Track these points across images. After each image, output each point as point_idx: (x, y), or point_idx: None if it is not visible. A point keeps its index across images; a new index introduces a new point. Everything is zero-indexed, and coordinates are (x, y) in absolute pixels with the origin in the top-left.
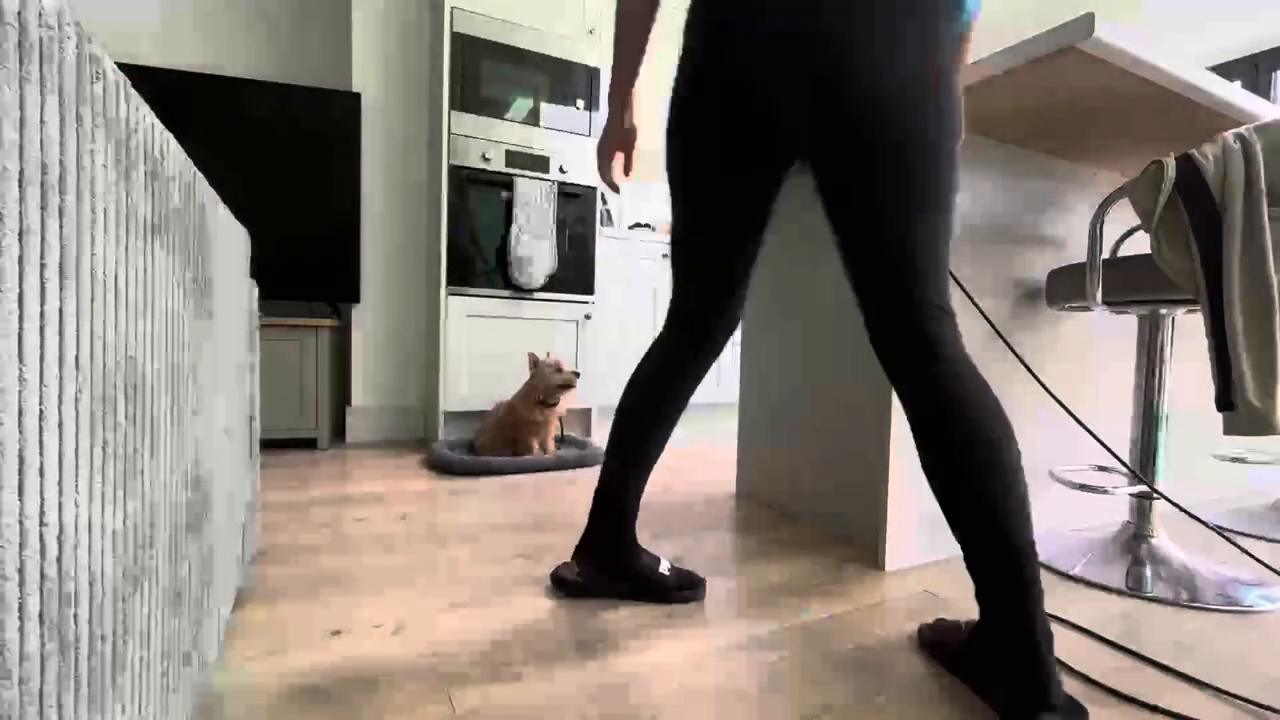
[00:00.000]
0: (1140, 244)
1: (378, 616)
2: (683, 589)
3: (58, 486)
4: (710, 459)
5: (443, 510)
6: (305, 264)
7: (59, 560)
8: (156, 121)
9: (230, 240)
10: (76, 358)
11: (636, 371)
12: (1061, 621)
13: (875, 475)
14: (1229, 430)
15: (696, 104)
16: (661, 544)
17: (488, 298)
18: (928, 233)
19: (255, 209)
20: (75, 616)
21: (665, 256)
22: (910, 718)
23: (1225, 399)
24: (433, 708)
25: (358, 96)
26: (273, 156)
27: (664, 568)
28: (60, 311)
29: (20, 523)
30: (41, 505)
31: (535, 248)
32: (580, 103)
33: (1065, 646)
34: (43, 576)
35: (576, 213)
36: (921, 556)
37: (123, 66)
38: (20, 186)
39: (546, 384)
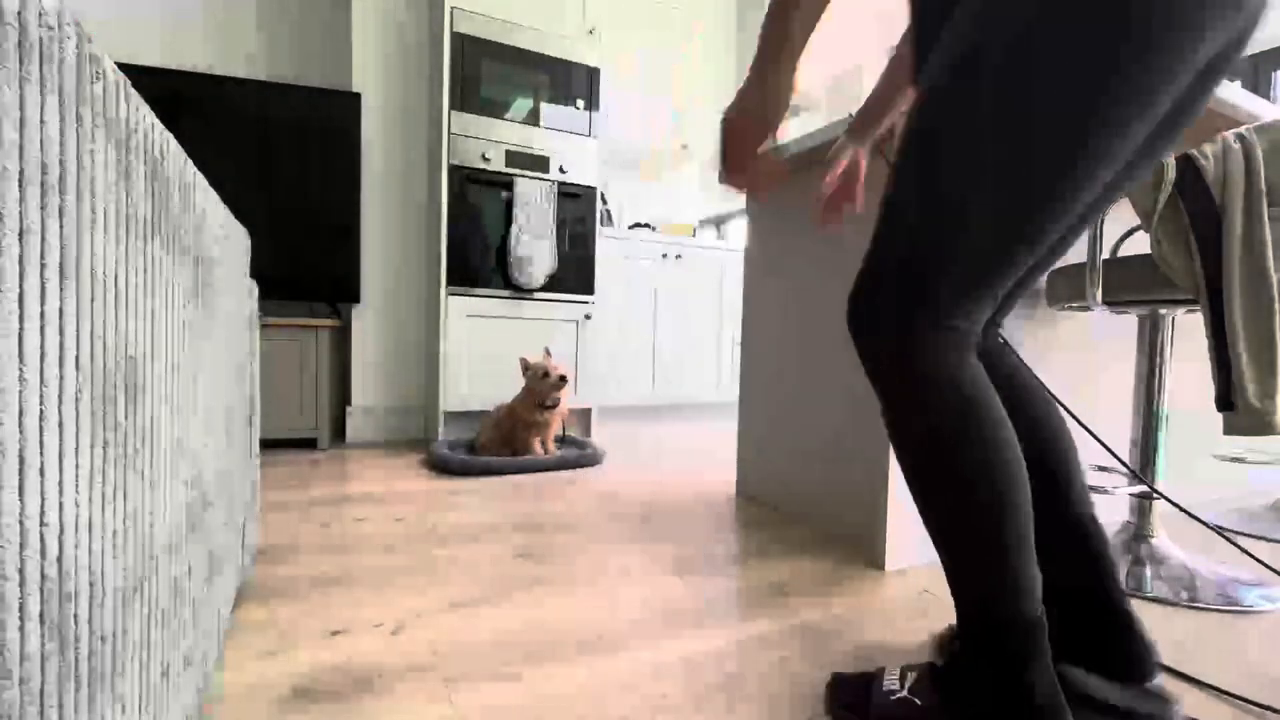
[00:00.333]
0: (1140, 244)
1: (378, 616)
2: None
3: (58, 486)
4: (710, 459)
5: (443, 510)
6: (305, 264)
7: (59, 560)
8: (156, 121)
9: (230, 240)
10: (76, 358)
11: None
12: None
13: (875, 475)
14: (1229, 430)
15: None
16: (662, 544)
17: (488, 298)
18: None
19: (255, 209)
20: (75, 616)
21: (665, 255)
22: None
23: (1225, 399)
24: (433, 708)
25: (358, 96)
26: (273, 156)
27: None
28: (60, 311)
29: (20, 523)
30: (41, 505)
31: (535, 248)
32: (580, 103)
33: None
34: (43, 576)
35: (576, 213)
36: (921, 556)
37: (123, 66)
38: (20, 186)
39: (540, 390)
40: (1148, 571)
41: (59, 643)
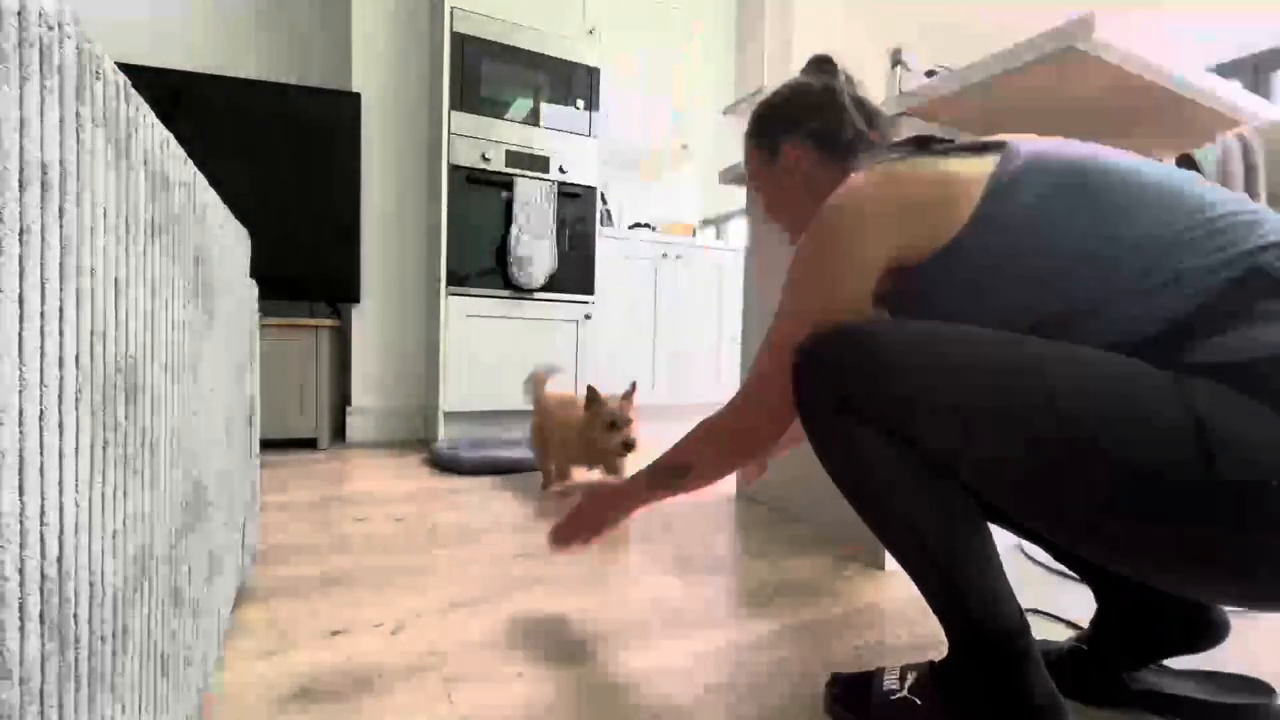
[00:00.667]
0: None
1: (378, 616)
2: None
3: (58, 486)
4: None
5: (443, 510)
6: (305, 264)
7: (59, 560)
8: (156, 121)
9: (230, 240)
10: (76, 358)
11: None
12: (1059, 619)
13: None
14: None
15: None
16: (662, 544)
17: (488, 298)
18: None
19: (255, 209)
20: (75, 616)
21: (665, 256)
22: None
23: None
24: (433, 707)
25: (358, 96)
26: (273, 156)
27: None
28: (60, 311)
29: (20, 523)
30: (42, 505)
31: (535, 248)
32: (580, 103)
33: None
34: (43, 576)
35: (576, 213)
36: None
37: (123, 66)
38: (20, 186)
39: (599, 440)
40: None
41: (59, 643)
